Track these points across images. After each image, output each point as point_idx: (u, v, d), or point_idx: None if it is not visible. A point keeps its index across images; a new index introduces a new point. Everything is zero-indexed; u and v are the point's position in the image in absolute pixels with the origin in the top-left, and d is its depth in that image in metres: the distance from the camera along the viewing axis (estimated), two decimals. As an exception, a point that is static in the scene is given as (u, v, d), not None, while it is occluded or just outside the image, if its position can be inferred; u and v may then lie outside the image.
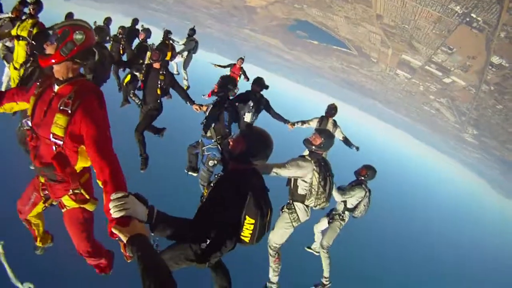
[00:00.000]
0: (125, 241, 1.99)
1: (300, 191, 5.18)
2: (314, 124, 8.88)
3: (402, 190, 54.31)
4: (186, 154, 7.49)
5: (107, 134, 2.87)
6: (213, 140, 6.47)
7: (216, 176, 3.43)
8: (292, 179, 5.27)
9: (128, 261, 3.12)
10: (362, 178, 7.07)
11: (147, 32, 10.84)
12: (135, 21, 12.24)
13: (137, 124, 7.85)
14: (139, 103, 8.20)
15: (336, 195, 6.42)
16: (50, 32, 2.86)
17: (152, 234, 2.33)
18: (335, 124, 8.86)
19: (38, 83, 2.97)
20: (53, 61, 2.73)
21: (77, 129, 2.75)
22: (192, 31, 12.70)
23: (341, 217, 7.10)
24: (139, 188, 2.41)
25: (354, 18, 29.24)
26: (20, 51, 7.66)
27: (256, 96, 7.90)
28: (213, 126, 6.38)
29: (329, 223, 7.25)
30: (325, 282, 7.26)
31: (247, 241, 2.98)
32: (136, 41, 11.47)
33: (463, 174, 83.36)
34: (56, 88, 2.83)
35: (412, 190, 61.36)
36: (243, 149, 2.99)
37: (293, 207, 5.32)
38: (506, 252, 48.71)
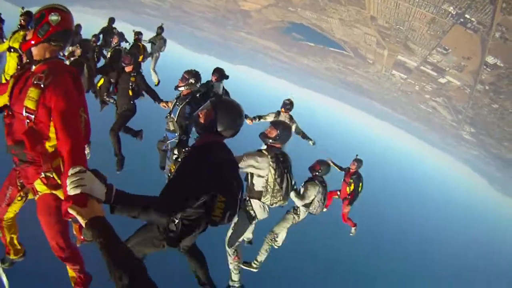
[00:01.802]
0: (82, 224, 1.84)
1: (257, 187, 5.04)
2: (270, 119, 8.88)
3: (400, 187, 54.56)
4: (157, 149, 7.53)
5: (76, 111, 2.89)
6: (176, 134, 6.58)
7: (183, 150, 3.23)
8: (249, 175, 5.11)
9: (78, 244, 3.22)
10: (316, 173, 7.18)
11: (120, 36, 10.85)
12: (112, 21, 12.29)
13: (112, 125, 8.02)
14: (113, 102, 8.44)
15: (296, 201, 6.39)
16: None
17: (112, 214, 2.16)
18: (291, 119, 8.86)
19: (18, 67, 3.09)
20: (32, 42, 2.84)
21: (48, 103, 2.76)
22: (161, 29, 12.71)
23: (295, 210, 7.05)
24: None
25: (348, 20, 29.22)
26: (11, 63, 7.69)
27: (214, 86, 7.88)
28: (175, 119, 6.48)
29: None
30: (253, 264, 6.91)
31: (218, 220, 2.87)
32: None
33: (460, 170, 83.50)
34: (33, 68, 2.91)
35: (409, 186, 61.72)
36: (212, 118, 2.89)
37: (250, 204, 5.16)
38: (502, 248, 48.90)
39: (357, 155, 9.86)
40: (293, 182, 5.34)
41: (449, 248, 40.19)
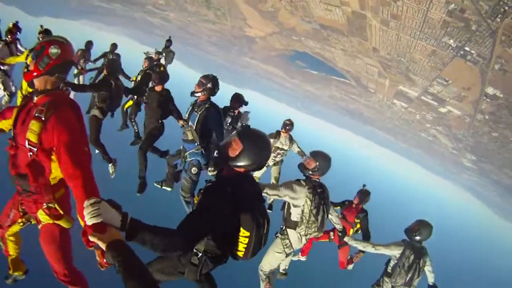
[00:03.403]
0: (103, 247, 1.92)
1: (293, 217, 4.98)
2: (270, 140, 8.66)
3: (401, 213, 54.24)
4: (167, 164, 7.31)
5: (80, 143, 2.93)
6: (196, 144, 6.03)
7: (206, 182, 3.07)
8: (286, 204, 5.07)
9: (103, 269, 2.98)
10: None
11: (151, 60, 10.91)
12: (114, 46, 12.16)
13: (141, 144, 7.85)
14: (136, 130, 8.54)
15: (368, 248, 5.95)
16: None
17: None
18: (291, 139, 8.74)
19: (22, 98, 3.16)
20: (34, 74, 2.93)
21: (50, 136, 2.82)
22: (169, 42, 12.61)
23: (378, 283, 6.24)
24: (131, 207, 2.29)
25: (351, 50, 29.71)
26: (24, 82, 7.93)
27: (234, 113, 7.62)
28: (194, 128, 6.01)
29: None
30: None
31: (241, 255, 2.81)
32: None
33: (461, 196, 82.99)
34: (35, 99, 2.97)
35: (410, 212, 61.19)
36: (240, 152, 2.78)
37: (286, 233, 5.11)
38: (502, 271, 48.52)
39: (364, 186, 7.96)
40: (329, 214, 5.23)
41: (451, 271, 39.90)
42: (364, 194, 7.74)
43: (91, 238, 1.96)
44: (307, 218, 4.84)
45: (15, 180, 3.09)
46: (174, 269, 3.10)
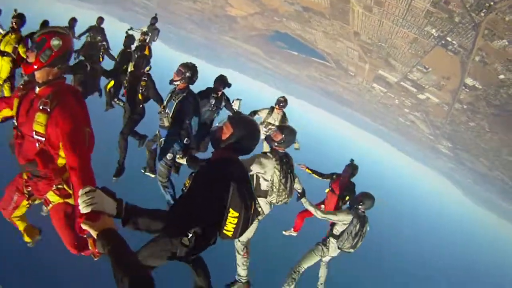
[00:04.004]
0: (95, 236, 1.96)
1: (263, 187, 5.18)
2: (263, 115, 8.87)
3: (375, 194, 54.90)
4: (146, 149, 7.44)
5: (82, 131, 3.03)
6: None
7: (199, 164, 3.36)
8: (255, 175, 5.19)
9: (95, 259, 3.46)
10: (359, 206, 6.35)
11: (130, 39, 10.60)
12: (101, 20, 11.68)
13: (122, 129, 7.83)
14: (123, 105, 8.26)
15: (317, 213, 6.20)
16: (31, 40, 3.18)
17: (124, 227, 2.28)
18: (284, 116, 8.82)
19: (21, 86, 3.19)
20: (35, 67, 2.92)
21: (55, 126, 2.89)
22: (155, 19, 12.39)
23: (323, 242, 6.70)
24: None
25: (332, 33, 29.48)
26: (4, 66, 7.63)
27: (218, 94, 7.72)
28: (170, 115, 6.11)
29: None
30: None
31: (230, 235, 2.85)
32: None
33: (436, 180, 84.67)
34: (37, 90, 3.00)
35: (386, 195, 62.17)
36: (231, 136, 2.92)
37: (257, 202, 5.17)
38: (475, 257, 49.85)
39: (352, 160, 8.08)
40: (295, 181, 5.42)
41: (424, 258, 40.65)
42: (352, 168, 7.85)
43: (83, 226, 2.00)
44: (277, 187, 5.09)
45: (25, 167, 3.23)
46: (165, 252, 3.13)
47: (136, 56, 8.88)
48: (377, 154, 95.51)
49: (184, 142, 6.16)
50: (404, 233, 46.23)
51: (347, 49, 31.10)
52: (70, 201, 3.38)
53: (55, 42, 2.90)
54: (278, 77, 65.25)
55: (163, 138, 6.26)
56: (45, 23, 9.09)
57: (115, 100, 9.16)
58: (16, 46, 7.65)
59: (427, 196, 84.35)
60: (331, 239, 6.54)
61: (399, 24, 21.67)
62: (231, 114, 7.98)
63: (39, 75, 3.00)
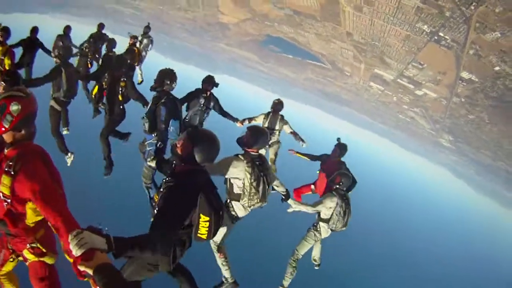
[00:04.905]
0: (91, 273, 2.04)
1: (235, 190, 5.06)
2: (260, 120, 8.83)
3: (381, 193, 54.89)
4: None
5: (51, 188, 3.01)
6: (153, 135, 6.42)
7: (163, 180, 3.41)
8: (228, 179, 5.11)
9: None
10: (336, 186, 6.65)
11: (112, 42, 10.59)
12: (101, 26, 11.84)
13: (102, 129, 7.99)
14: (106, 110, 8.18)
15: (305, 208, 6.41)
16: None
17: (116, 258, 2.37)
18: (282, 119, 8.81)
19: None
20: (2, 129, 2.94)
21: (22, 188, 2.91)
22: (148, 28, 12.56)
23: (314, 227, 6.90)
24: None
25: (325, 35, 29.39)
26: None
27: (207, 94, 7.88)
28: (149, 121, 6.34)
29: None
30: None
31: (205, 237, 3.15)
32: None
33: (440, 174, 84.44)
34: (6, 151, 3.05)
35: (391, 191, 62.20)
36: (190, 151, 3.11)
37: (231, 205, 5.20)
38: (480, 248, 49.72)
39: (339, 139, 8.13)
40: (271, 184, 5.31)
41: (432, 250, 40.59)
42: (340, 147, 7.87)
43: (80, 268, 2.10)
44: (248, 190, 4.92)
45: None
46: (147, 266, 3.32)
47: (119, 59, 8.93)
48: (379, 152, 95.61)
49: (157, 145, 6.33)
50: (413, 226, 46.41)
51: (341, 50, 30.98)
52: (46, 259, 3.41)
53: (14, 107, 2.91)
54: (274, 81, 65.20)
55: (148, 141, 6.43)
56: (34, 30, 9.67)
57: (100, 105, 9.08)
58: (2, 58, 7.81)
59: (432, 190, 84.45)
60: (321, 224, 6.76)
61: (390, 22, 21.58)
62: (223, 114, 8.49)
63: (6, 137, 3.03)
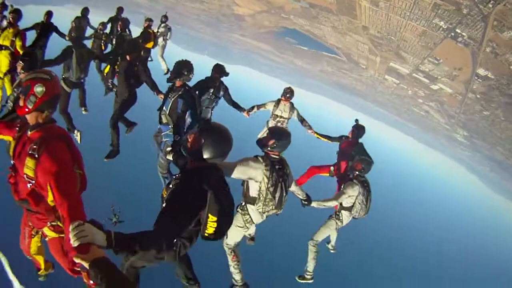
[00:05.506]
0: (87, 267, 2.06)
1: (252, 193, 4.92)
2: (270, 107, 8.94)
3: (395, 185, 54.66)
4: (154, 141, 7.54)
5: (69, 174, 3.13)
6: (170, 126, 6.49)
7: (174, 176, 3.45)
8: (245, 180, 4.99)
9: None
10: (357, 173, 6.84)
11: (125, 22, 10.76)
12: (120, 10, 12.18)
13: (112, 113, 8.07)
14: (116, 91, 8.42)
15: (328, 203, 6.43)
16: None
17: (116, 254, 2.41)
18: (292, 107, 8.88)
19: (18, 128, 3.34)
20: (26, 110, 3.05)
21: (44, 170, 2.99)
22: (165, 17, 12.95)
23: (337, 216, 7.01)
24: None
25: (341, 28, 29.10)
26: (3, 60, 7.94)
27: (216, 83, 7.94)
28: (167, 112, 6.43)
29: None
30: (306, 276, 7.30)
31: (212, 237, 3.09)
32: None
33: (454, 168, 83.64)
34: (29, 133, 3.16)
35: (405, 185, 61.91)
36: (201, 146, 3.06)
37: (246, 209, 5.09)
38: (493, 246, 49.39)
39: (357, 120, 8.50)
40: (288, 190, 5.17)
41: (446, 246, 40.49)
42: (358, 128, 8.19)
43: (75, 260, 2.10)
44: (264, 195, 4.77)
45: (20, 203, 3.44)
46: (153, 256, 3.31)
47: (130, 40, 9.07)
48: (393, 143, 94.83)
49: (174, 138, 6.44)
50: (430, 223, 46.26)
51: (357, 43, 30.66)
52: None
53: (38, 89, 3.00)
54: (290, 72, 64.85)
55: (164, 132, 6.59)
56: (49, 14, 9.85)
57: (110, 84, 9.34)
58: (14, 39, 7.95)
59: (445, 184, 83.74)
60: (343, 212, 6.91)
61: (407, 17, 21.33)
62: (231, 103, 8.63)
63: (29, 118, 3.13)
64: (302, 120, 8.99)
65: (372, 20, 24.44)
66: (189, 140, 3.17)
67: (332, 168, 8.44)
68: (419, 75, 28.94)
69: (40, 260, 4.38)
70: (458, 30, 19.75)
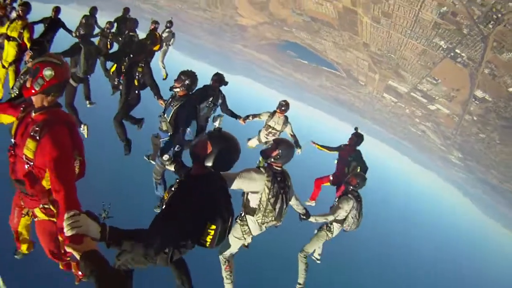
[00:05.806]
0: (78, 257, 2.02)
1: (252, 204, 4.81)
2: (264, 118, 8.87)
3: (388, 204, 54.69)
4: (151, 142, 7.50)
5: (68, 160, 3.14)
6: (169, 134, 6.39)
7: (176, 180, 3.39)
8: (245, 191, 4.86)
9: (77, 283, 3.66)
10: (352, 188, 6.76)
11: (133, 22, 10.79)
12: (126, 11, 12.29)
13: (116, 113, 8.00)
14: (121, 93, 8.31)
15: (323, 218, 6.37)
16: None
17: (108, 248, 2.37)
18: (286, 121, 8.74)
19: (22, 108, 3.29)
20: (32, 92, 3.03)
21: (43, 154, 2.98)
22: (170, 23, 13.12)
23: (328, 227, 6.86)
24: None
25: (342, 44, 29.41)
26: (10, 51, 8.06)
27: (215, 91, 7.91)
28: (168, 120, 6.36)
29: (317, 230, 7.05)
30: None
31: (207, 245, 3.01)
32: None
33: (447, 190, 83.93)
34: (33, 114, 3.13)
35: (397, 204, 62.00)
36: (208, 153, 2.99)
37: (245, 219, 4.97)
38: (483, 268, 49.47)
39: (356, 128, 8.59)
40: (289, 203, 5.09)
41: (434, 267, 40.54)
42: (357, 136, 8.22)
43: (67, 249, 2.08)
44: (264, 206, 4.68)
45: (15, 183, 3.38)
46: (144, 257, 3.22)
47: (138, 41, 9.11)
48: (388, 162, 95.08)
49: (175, 149, 6.33)
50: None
51: (357, 59, 30.98)
52: (55, 219, 3.48)
53: (47, 72, 2.98)
54: (289, 85, 65.16)
55: (162, 140, 6.55)
56: (57, 9, 9.99)
57: (116, 82, 9.30)
58: (21, 31, 8.03)
59: (439, 206, 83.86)
60: (334, 224, 6.79)
61: (408, 35, 21.60)
62: (228, 112, 8.48)
63: (35, 100, 3.11)
64: (293, 136, 8.95)
65: (373, 37, 24.68)
66: (198, 145, 3.10)
67: (331, 177, 8.55)
68: (417, 94, 29.17)
69: (22, 240, 4.32)
70: (457, 50, 19.96)
